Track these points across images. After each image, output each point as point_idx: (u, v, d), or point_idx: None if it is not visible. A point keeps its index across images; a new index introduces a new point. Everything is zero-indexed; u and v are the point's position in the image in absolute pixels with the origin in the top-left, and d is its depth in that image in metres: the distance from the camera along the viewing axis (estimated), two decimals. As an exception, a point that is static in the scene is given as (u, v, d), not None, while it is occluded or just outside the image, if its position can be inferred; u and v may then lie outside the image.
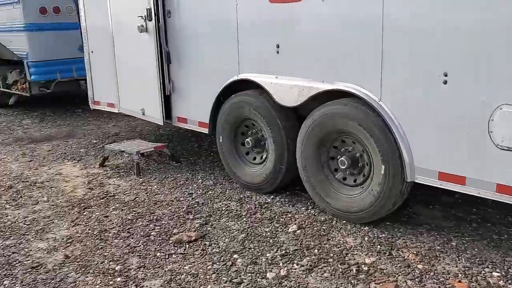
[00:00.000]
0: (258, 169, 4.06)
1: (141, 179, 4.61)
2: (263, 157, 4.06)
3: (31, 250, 3.22)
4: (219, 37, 4.14)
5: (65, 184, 4.56)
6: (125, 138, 6.29)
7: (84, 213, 3.83)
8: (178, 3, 4.43)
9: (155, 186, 4.39)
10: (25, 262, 3.07)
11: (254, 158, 4.17)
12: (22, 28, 7.24)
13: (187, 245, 3.19)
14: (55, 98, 8.77)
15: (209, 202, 3.95)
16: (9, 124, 7.53)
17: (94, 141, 6.20)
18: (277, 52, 3.68)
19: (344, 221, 3.45)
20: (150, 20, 4.58)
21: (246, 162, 4.20)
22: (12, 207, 4.04)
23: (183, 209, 3.80)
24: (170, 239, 3.28)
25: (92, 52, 5.72)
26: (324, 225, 3.43)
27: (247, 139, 4.12)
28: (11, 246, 3.29)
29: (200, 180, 4.49)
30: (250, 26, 3.85)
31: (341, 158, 3.43)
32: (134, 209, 3.86)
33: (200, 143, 5.87)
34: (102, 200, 4.09)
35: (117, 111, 5.60)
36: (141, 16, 4.64)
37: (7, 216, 3.85)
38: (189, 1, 4.35)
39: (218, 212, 3.73)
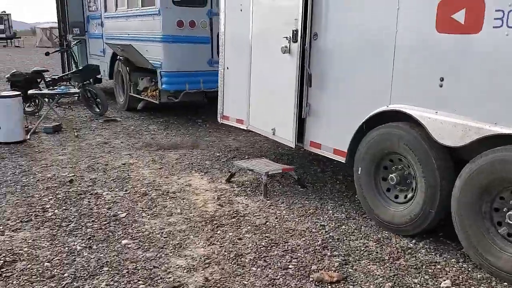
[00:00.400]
0: (401, 209, 3.75)
1: (268, 201, 4.50)
2: (408, 197, 3.74)
3: (171, 267, 3.22)
4: (369, 63, 3.92)
5: (195, 197, 4.60)
6: (245, 154, 6.30)
7: (218, 232, 3.78)
8: (327, 26, 4.29)
9: (284, 212, 4.25)
10: (167, 279, 3.05)
11: (397, 196, 3.86)
12: (159, 39, 7.60)
13: (329, 286, 2.98)
14: (178, 106, 9.08)
15: (345, 238, 3.72)
16: (137, 128, 7.92)
17: (217, 154, 6.26)
18: (440, 86, 3.37)
19: (507, 284, 3.02)
20: (295, 41, 4.50)
21: (386, 200, 3.91)
22: (148, 216, 4.12)
23: (318, 243, 3.61)
24: (310, 276, 3.09)
25: (227, 68, 5.79)
26: (481, 284, 3.04)
27: (391, 175, 3.83)
28: (151, 260, 3.32)
29: (331, 211, 4.28)
30: (410, 54, 3.58)
31: (510, 212, 3.02)
32: (266, 235, 3.74)
33: (323, 167, 5.66)
34: (233, 220, 4.03)
35: (245, 128, 5.59)
36: (286, 37, 4.57)
37: (144, 225, 3.93)
38: (339, 24, 4.19)
39: (357, 251, 3.48)
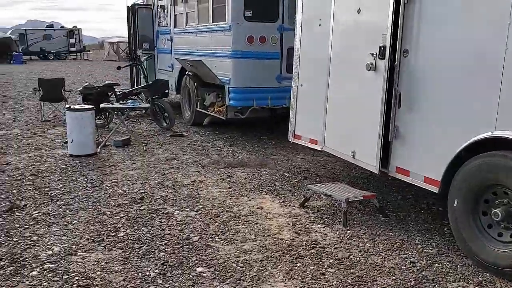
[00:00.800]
0: (506, 249, 3.30)
1: (349, 231, 4.16)
2: (516, 236, 3.29)
3: (251, 303, 2.96)
4: (470, 83, 3.52)
5: (268, 222, 4.34)
6: (316, 175, 5.98)
7: (297, 264, 3.49)
8: (419, 41, 3.94)
9: (368, 244, 3.89)
10: (248, 317, 2.80)
11: (501, 234, 3.41)
12: (229, 54, 7.49)
13: None
14: (243, 122, 8.92)
15: (440, 279, 3.31)
16: (203, 143, 7.81)
17: (287, 175, 5.99)
18: None
19: None
20: (382, 58, 4.17)
21: (487, 237, 3.47)
22: (221, 241, 3.91)
23: (411, 284, 3.22)
24: (409, 325, 2.73)
25: (301, 85, 5.54)
26: None
27: (494, 210, 3.40)
28: (229, 292, 3.08)
29: (420, 246, 3.87)
30: (523, 75, 3.16)
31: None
32: (351, 271, 3.40)
33: (403, 194, 5.24)
34: (313, 251, 3.73)
35: (320, 149, 5.29)
36: (372, 54, 4.25)
37: (218, 251, 3.71)
38: (434, 39, 3.82)
39: (458, 296, 3.07)
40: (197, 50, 8.72)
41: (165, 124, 8.99)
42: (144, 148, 7.31)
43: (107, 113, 8.94)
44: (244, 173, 6.04)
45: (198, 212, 4.58)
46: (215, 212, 4.58)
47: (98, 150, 7.04)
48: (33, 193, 5.14)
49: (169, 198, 5.00)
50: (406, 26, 4.01)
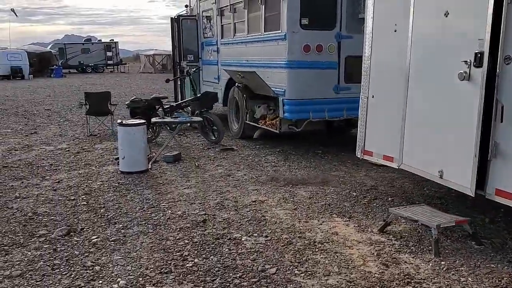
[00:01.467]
0: None
1: (443, 262, 3.67)
2: None
3: None
4: None
5: (349, 251, 3.89)
6: (386, 194, 5.50)
7: (397, 305, 3.03)
8: (525, 46, 3.44)
9: (470, 279, 3.40)
10: None
11: None
12: (283, 64, 7.12)
13: None
14: (294, 135, 8.49)
15: None
16: (256, 158, 7.44)
17: (354, 194, 5.53)
18: None
19: None
20: (479, 66, 3.69)
21: None
22: (302, 274, 3.49)
23: (541, 332, 2.72)
24: None
25: (372, 96, 5.09)
26: None
27: None
28: None
29: (533, 281, 3.34)
30: None
31: None
32: (463, 314, 2.92)
33: (490, 216, 4.69)
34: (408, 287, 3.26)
35: (396, 167, 4.82)
36: (465, 61, 3.78)
37: (301, 287, 3.29)
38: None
39: None
40: (247, 61, 8.39)
41: (214, 138, 8.68)
42: (196, 164, 6.99)
43: (154, 127, 8.71)
44: (306, 191, 5.61)
45: (268, 238, 4.18)
46: (286, 238, 4.17)
47: (149, 167, 6.75)
48: (88, 214, 4.86)
49: (232, 221, 4.62)
50: (509, 29, 3.52)
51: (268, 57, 7.60)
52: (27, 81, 30.64)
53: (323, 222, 4.59)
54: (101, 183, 6.07)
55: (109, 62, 46.67)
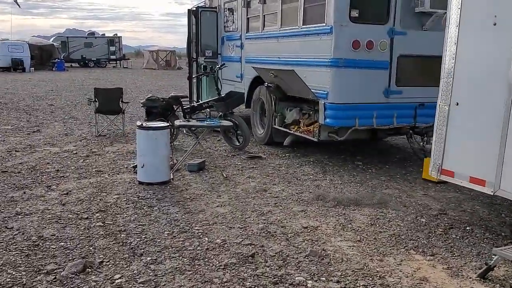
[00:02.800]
0: None
1: None
2: None
3: None
4: None
5: (454, 309, 2.97)
6: (460, 221, 4.60)
7: None
8: None
9: None
10: None
11: None
12: (327, 63, 6.19)
13: None
14: (324, 143, 7.52)
15: None
16: (289, 169, 6.52)
17: (422, 220, 4.61)
18: None
19: None
20: None
21: None
22: None
23: None
24: None
25: (457, 104, 4.17)
26: None
27: None
28: None
29: None
30: None
31: None
32: None
33: None
34: None
35: (491, 193, 3.89)
36: None
37: None
38: None
39: None
40: (279, 58, 7.47)
41: (238, 144, 7.76)
42: (224, 175, 6.07)
43: (172, 130, 7.78)
44: (364, 215, 4.69)
45: (341, 285, 3.25)
46: (364, 285, 3.25)
47: (172, 177, 5.82)
48: (106, 240, 3.93)
49: (287, 256, 3.70)
50: None
51: (307, 54, 6.67)
52: (28, 74, 29.65)
53: (401, 261, 3.67)
54: (117, 196, 5.14)
55: (112, 57, 45.69)
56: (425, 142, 6.64)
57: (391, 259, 3.69)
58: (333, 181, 5.98)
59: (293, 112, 7.42)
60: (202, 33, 10.34)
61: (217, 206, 4.91)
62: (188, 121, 6.19)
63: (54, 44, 41.09)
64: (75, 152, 7.35)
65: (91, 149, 7.57)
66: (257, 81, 8.41)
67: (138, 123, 5.69)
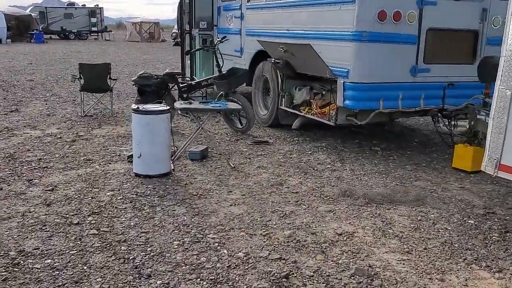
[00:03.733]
0: None
1: None
2: None
3: None
4: None
5: None
6: (508, 220, 3.97)
7: None
8: None
9: None
10: None
11: None
12: (349, 36, 5.43)
13: None
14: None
15: None
16: (302, 157, 5.83)
17: (471, 222, 3.98)
18: None
19: None
20: None
21: None
22: None
23: None
24: None
25: (523, 88, 3.48)
26: None
27: None
28: None
29: None
30: None
31: None
32: None
33: None
34: None
35: None
36: None
37: None
38: None
39: None
40: (288, 30, 6.67)
41: (241, 126, 7.02)
42: (232, 165, 5.34)
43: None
44: (402, 217, 4.04)
45: (406, 318, 2.60)
46: (434, 317, 2.60)
47: (172, 167, 5.08)
48: (104, 256, 3.20)
49: (329, 276, 3.03)
50: None
51: (323, 26, 5.89)
52: (5, 46, 28.19)
53: (466, 280, 3.03)
54: (111, 193, 4.39)
55: (93, 29, 43.99)
56: (453, 127, 5.97)
57: (453, 278, 3.04)
58: (355, 171, 5.31)
59: (303, 91, 6.68)
60: (196, 3, 9.44)
61: (230, 205, 4.20)
62: (190, 103, 5.39)
63: (32, 14, 39.24)
64: (59, 136, 6.53)
65: (77, 133, 6.74)
66: (260, 57, 7.63)
67: (134, 106, 4.89)
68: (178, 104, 5.29)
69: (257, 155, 5.91)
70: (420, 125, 7.97)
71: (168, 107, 4.94)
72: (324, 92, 6.36)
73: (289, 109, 6.83)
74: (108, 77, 7.96)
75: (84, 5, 46.10)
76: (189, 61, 9.90)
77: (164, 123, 4.85)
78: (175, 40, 38.82)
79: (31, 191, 4.40)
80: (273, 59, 6.77)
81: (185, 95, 7.13)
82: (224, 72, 6.98)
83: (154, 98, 6.70)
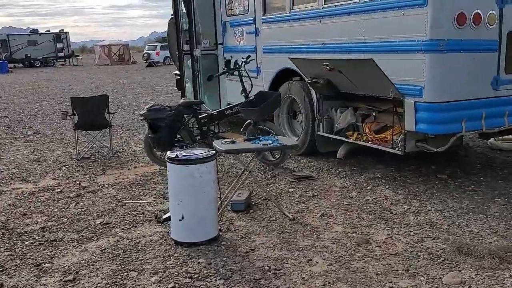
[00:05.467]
0: None
1: None
2: None
3: None
4: None
5: None
6: None
7: None
8: None
9: None
10: None
11: None
12: (419, 46, 4.44)
13: None
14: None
15: None
16: (364, 195, 4.79)
17: None
18: None
19: None
20: None
21: None
22: None
23: None
24: None
25: None
26: None
27: None
28: None
29: None
30: None
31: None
32: None
33: None
34: None
35: None
36: None
37: None
38: None
39: None
40: (324, 44, 5.68)
41: (273, 159, 5.94)
42: (290, 216, 4.23)
43: (185, 147, 5.85)
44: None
45: None
46: None
47: (219, 228, 3.93)
48: None
49: None
50: None
51: (379, 36, 4.90)
52: (-32, 79, 26.32)
53: None
54: (156, 278, 3.22)
55: (60, 54, 42.31)
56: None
57: None
58: (443, 213, 4.28)
59: (346, 114, 5.66)
60: (196, 18, 8.34)
61: (324, 284, 3.08)
62: (233, 141, 4.22)
63: (-7, 43, 37.37)
64: (58, 189, 5.28)
65: (79, 183, 5.51)
66: (284, 76, 6.62)
67: (170, 154, 3.72)
68: (220, 145, 4.12)
69: (309, 196, 4.83)
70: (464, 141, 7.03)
71: (212, 152, 3.79)
72: (375, 114, 5.35)
73: (331, 135, 5.78)
74: (107, 111, 6.74)
75: (49, 30, 44.31)
76: (187, 84, 8.75)
77: (211, 173, 3.71)
78: (148, 61, 37.73)
79: (44, 285, 3.16)
80: (309, 78, 5.72)
81: (204, 128, 5.98)
82: (251, 97, 5.86)
83: (169, 134, 5.59)
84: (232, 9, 7.86)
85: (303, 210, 4.44)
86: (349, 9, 5.24)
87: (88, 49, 79.98)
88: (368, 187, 5.05)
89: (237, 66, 6.07)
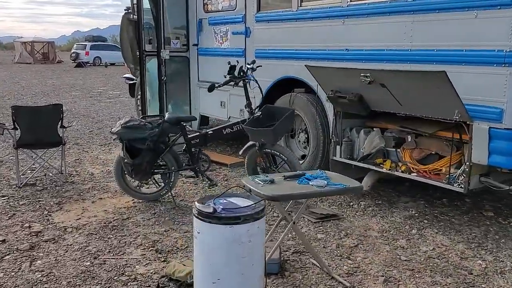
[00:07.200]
0: None
1: None
2: None
3: None
4: None
5: None
6: None
7: None
8: None
9: None
10: None
11: None
12: (501, 58, 3.49)
13: None
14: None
15: None
16: (410, 243, 3.77)
17: None
18: None
19: None
20: None
21: None
22: None
23: None
24: None
25: None
26: None
27: None
28: None
29: None
30: None
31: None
32: None
33: None
34: None
35: None
36: None
37: None
38: None
39: None
40: (347, 49, 4.63)
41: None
42: (348, 284, 3.09)
43: (169, 174, 4.54)
44: None
45: None
46: None
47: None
48: None
49: None
50: None
51: (434, 43, 3.90)
52: None
53: None
54: None
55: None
56: None
57: None
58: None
59: (373, 136, 4.64)
60: (165, 15, 6.99)
61: None
62: (272, 181, 2.97)
63: None
64: (1, 238, 3.73)
65: (29, 225, 3.99)
66: (285, 87, 5.51)
67: (198, 205, 2.43)
68: (257, 186, 2.87)
69: (351, 247, 3.73)
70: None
71: (261, 199, 2.55)
72: (411, 138, 4.37)
73: (353, 162, 4.71)
74: (60, 124, 5.22)
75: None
76: (149, 93, 7.38)
77: (262, 234, 2.47)
78: (77, 61, 34.91)
79: None
80: (329, 91, 4.62)
81: (194, 149, 4.69)
82: (258, 114, 4.62)
83: (153, 159, 4.26)
84: (210, 4, 6.60)
85: (355, 271, 3.32)
86: (390, 8, 4.21)
87: (3, 45, 73.81)
88: (413, 231, 4.03)
89: (243, 73, 4.81)
